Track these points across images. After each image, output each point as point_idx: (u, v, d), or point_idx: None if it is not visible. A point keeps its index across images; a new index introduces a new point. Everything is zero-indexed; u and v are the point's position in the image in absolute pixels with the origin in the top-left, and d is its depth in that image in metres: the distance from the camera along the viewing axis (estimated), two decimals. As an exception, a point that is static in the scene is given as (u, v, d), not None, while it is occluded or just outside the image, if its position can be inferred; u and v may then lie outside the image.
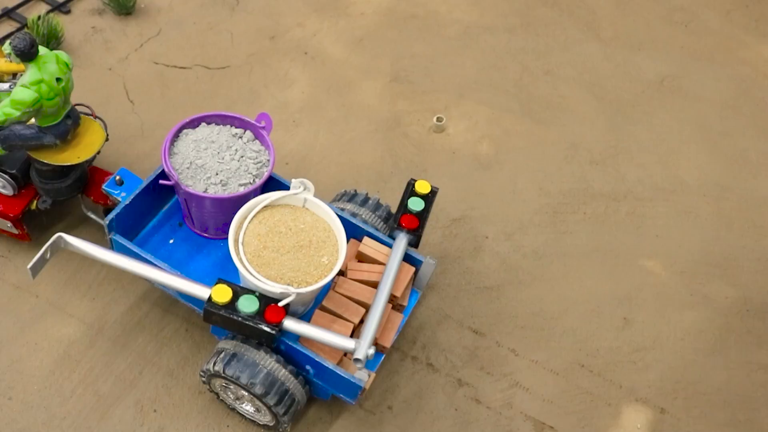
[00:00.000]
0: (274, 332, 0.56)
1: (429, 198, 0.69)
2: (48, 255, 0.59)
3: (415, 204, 0.68)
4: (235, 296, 0.57)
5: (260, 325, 0.54)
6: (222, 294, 0.56)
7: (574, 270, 0.85)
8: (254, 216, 0.62)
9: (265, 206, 0.63)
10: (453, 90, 1.05)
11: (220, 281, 0.57)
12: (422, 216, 0.68)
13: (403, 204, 0.67)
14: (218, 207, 0.69)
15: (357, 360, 0.58)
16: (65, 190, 0.76)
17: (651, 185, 0.98)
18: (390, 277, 0.61)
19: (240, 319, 0.56)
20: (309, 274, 0.61)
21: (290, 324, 0.58)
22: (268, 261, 0.60)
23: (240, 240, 0.61)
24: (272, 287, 0.58)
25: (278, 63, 1.05)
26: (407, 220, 0.67)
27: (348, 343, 0.56)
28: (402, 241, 0.66)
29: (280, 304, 0.59)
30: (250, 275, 0.58)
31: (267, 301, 0.58)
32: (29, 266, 0.61)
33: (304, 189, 0.63)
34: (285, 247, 0.61)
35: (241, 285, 0.71)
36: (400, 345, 0.77)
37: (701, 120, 1.07)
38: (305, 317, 0.70)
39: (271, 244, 0.61)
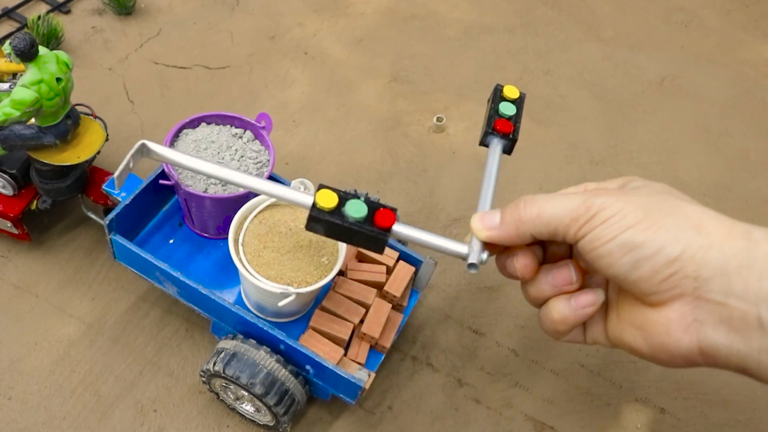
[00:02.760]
0: (384, 238, 0.53)
1: (519, 102, 0.66)
2: (131, 164, 0.58)
3: (507, 109, 0.65)
4: (342, 201, 0.54)
5: (371, 232, 0.52)
6: (327, 199, 0.51)
7: (574, 270, 0.85)
8: (254, 216, 0.63)
9: (265, 206, 0.63)
10: (453, 90, 1.05)
11: (322, 186, 0.54)
12: (515, 120, 0.65)
13: (494, 109, 0.63)
14: (218, 207, 0.70)
15: (471, 265, 0.53)
16: (65, 190, 0.76)
17: (651, 185, 0.97)
18: (490, 188, 0.58)
19: (348, 225, 0.54)
20: (309, 274, 0.61)
21: (400, 229, 0.55)
22: (268, 261, 0.60)
23: (240, 240, 0.61)
24: (272, 287, 0.58)
25: (278, 63, 1.06)
26: (501, 125, 0.64)
27: (460, 248, 0.54)
28: (497, 147, 0.61)
29: (280, 304, 0.59)
30: (250, 275, 0.59)
31: (375, 205, 0.55)
32: (115, 175, 0.57)
33: (304, 189, 0.63)
34: (285, 247, 0.61)
35: (241, 285, 0.72)
36: (400, 345, 0.77)
37: (701, 120, 1.07)
38: (305, 317, 0.71)
39: (271, 244, 0.61)
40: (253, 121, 0.72)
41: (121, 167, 0.57)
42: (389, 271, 0.71)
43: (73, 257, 0.81)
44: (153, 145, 0.58)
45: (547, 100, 1.05)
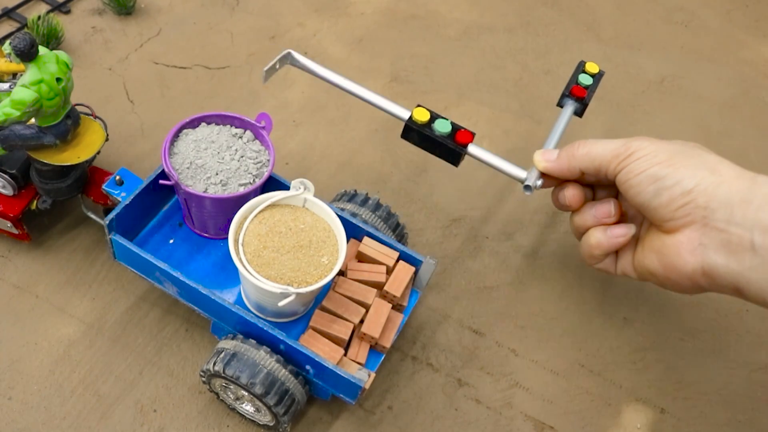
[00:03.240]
0: (462, 152, 0.68)
1: (597, 77, 0.81)
2: (278, 66, 0.74)
3: (585, 79, 0.80)
4: (432, 119, 0.69)
5: (452, 145, 0.68)
6: (421, 115, 0.69)
7: (574, 270, 0.85)
8: (254, 216, 0.63)
9: (265, 206, 0.63)
10: (453, 90, 1.05)
11: (419, 105, 0.69)
12: (590, 89, 0.79)
13: (574, 78, 0.80)
14: (218, 207, 0.70)
15: (527, 187, 0.67)
16: (65, 190, 0.76)
17: (651, 185, 0.98)
18: (556, 137, 0.73)
19: (434, 136, 0.68)
20: (309, 274, 0.61)
21: (474, 149, 0.69)
22: (268, 261, 0.60)
23: (240, 240, 0.61)
24: (272, 287, 0.58)
25: (278, 63, 1.06)
26: (577, 90, 0.79)
27: (520, 173, 0.68)
28: (570, 107, 0.78)
29: (280, 304, 0.60)
30: (250, 275, 0.59)
31: (457, 126, 0.69)
32: (265, 69, 0.72)
33: (305, 189, 0.64)
34: (285, 247, 0.61)
35: (241, 285, 0.72)
36: (400, 345, 0.77)
37: (701, 120, 1.07)
38: (305, 317, 0.71)
39: (271, 244, 0.61)
40: (253, 121, 0.72)
41: (268, 66, 0.73)
42: (389, 271, 0.71)
43: (73, 257, 0.81)
44: (297, 55, 0.75)
45: (547, 100, 1.05)
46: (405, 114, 0.71)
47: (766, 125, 1.07)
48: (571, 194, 0.65)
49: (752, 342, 0.82)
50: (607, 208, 0.64)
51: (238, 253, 0.61)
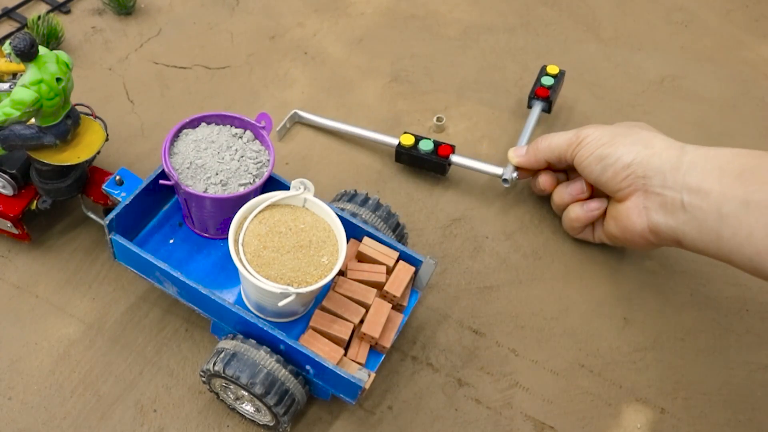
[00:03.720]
0: (446, 163, 0.83)
1: (558, 77, 0.94)
2: (288, 125, 0.91)
3: (547, 81, 0.94)
4: (416, 141, 0.85)
5: (437, 159, 0.84)
6: (407, 139, 0.85)
7: (574, 270, 0.85)
8: (254, 216, 0.63)
9: (265, 206, 0.63)
10: (453, 90, 1.05)
11: (405, 132, 0.87)
12: (552, 89, 0.93)
13: (537, 81, 0.93)
14: (218, 207, 0.70)
15: (504, 180, 0.83)
16: (65, 190, 0.76)
17: (651, 185, 0.98)
18: (527, 136, 0.88)
19: (421, 155, 0.84)
20: (309, 274, 0.61)
21: (455, 158, 0.85)
22: (268, 261, 0.60)
23: (240, 240, 0.61)
24: (272, 287, 0.58)
25: (278, 63, 1.06)
26: (541, 91, 0.92)
27: (496, 170, 0.84)
28: (538, 107, 0.91)
29: (280, 304, 0.60)
30: (250, 275, 0.59)
31: (437, 142, 0.84)
32: (277, 129, 0.89)
33: (305, 189, 0.64)
34: (285, 247, 0.61)
35: (241, 285, 0.72)
36: (400, 345, 0.77)
37: (701, 120, 1.07)
38: (305, 317, 0.71)
39: (271, 244, 0.61)
40: (253, 121, 0.72)
41: (279, 127, 0.92)
42: (389, 271, 0.71)
43: (73, 257, 0.81)
44: (303, 113, 0.94)
45: (547, 100, 1.05)
46: (394, 141, 0.88)
47: (766, 125, 1.07)
48: (543, 180, 0.81)
49: (752, 342, 0.82)
50: (579, 186, 0.77)
51: (238, 253, 0.62)
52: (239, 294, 0.72)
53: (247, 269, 0.61)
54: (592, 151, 0.70)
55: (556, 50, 1.14)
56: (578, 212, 0.77)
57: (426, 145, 0.86)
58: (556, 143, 0.74)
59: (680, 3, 1.25)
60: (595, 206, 0.76)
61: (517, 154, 0.81)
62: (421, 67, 1.08)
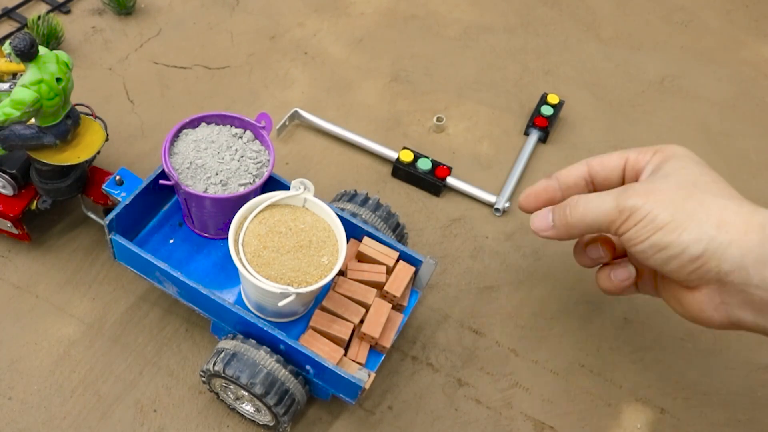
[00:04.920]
0: (441, 184, 0.84)
1: (557, 107, 0.95)
2: (287, 123, 0.90)
3: (546, 110, 0.94)
4: (415, 158, 0.85)
5: (433, 179, 0.85)
6: (406, 156, 0.85)
7: (574, 270, 0.86)
8: (254, 216, 0.63)
9: (265, 206, 0.63)
10: (453, 90, 1.05)
11: (405, 147, 0.87)
12: (551, 119, 0.94)
13: (537, 110, 0.94)
14: (218, 207, 0.70)
15: (496, 209, 0.84)
16: (65, 190, 0.76)
17: (651, 185, 0.98)
18: (521, 166, 0.90)
19: (418, 174, 0.85)
20: (309, 274, 0.61)
21: (451, 180, 0.86)
22: (268, 261, 0.60)
23: (240, 240, 0.61)
24: (272, 287, 0.58)
25: (278, 63, 1.06)
26: (539, 121, 0.93)
27: (489, 197, 0.84)
28: (534, 136, 0.93)
29: (280, 304, 0.60)
30: (250, 275, 0.59)
31: (436, 163, 0.85)
32: (277, 127, 0.89)
33: (305, 189, 0.63)
34: (285, 247, 0.61)
35: (241, 285, 0.72)
36: (400, 345, 0.77)
37: (701, 120, 1.07)
38: (305, 317, 0.71)
39: (271, 244, 0.61)
40: (253, 121, 0.72)
41: (279, 125, 0.92)
42: (389, 271, 0.71)
43: (73, 257, 0.81)
44: (303, 113, 0.94)
45: (547, 100, 1.05)
46: (393, 155, 0.89)
47: (766, 125, 1.07)
48: (617, 274, 0.63)
49: (752, 342, 0.82)
50: (625, 272, 0.62)
51: (238, 253, 0.61)
52: (239, 294, 0.72)
53: (247, 269, 0.61)
54: (646, 237, 0.52)
55: (556, 50, 1.14)
56: (606, 284, 0.63)
57: (424, 164, 0.87)
58: (592, 217, 0.56)
59: (680, 3, 1.25)
60: (623, 276, 0.62)
61: (543, 227, 0.61)
62: (421, 67, 1.08)
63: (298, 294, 0.60)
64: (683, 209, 0.51)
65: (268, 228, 0.63)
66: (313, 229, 0.64)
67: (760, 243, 0.50)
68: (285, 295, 0.60)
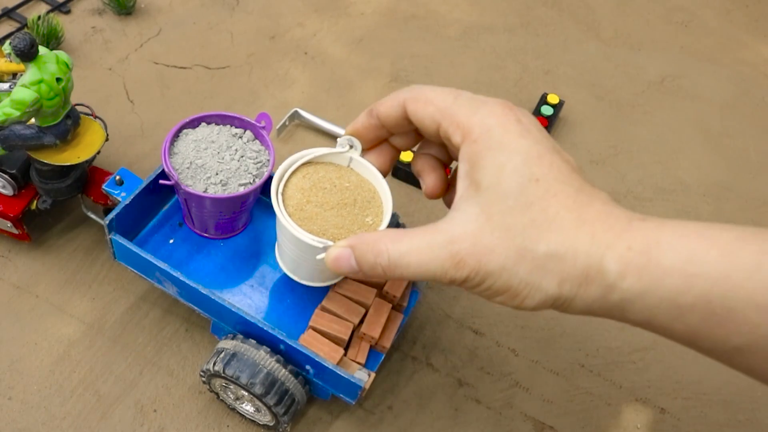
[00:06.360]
0: None
1: (557, 107, 0.95)
2: (287, 123, 0.90)
3: (546, 110, 0.95)
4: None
5: None
6: (406, 156, 0.86)
7: (574, 270, 0.86)
8: (297, 170, 0.60)
9: (308, 162, 0.59)
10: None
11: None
12: (551, 119, 0.94)
13: (537, 110, 0.93)
14: (218, 207, 0.70)
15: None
16: (65, 190, 0.76)
17: (651, 185, 0.98)
18: None
19: None
20: (352, 232, 0.57)
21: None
22: (311, 216, 0.57)
23: (280, 191, 0.58)
24: (313, 242, 0.55)
25: (278, 63, 1.06)
26: (539, 121, 0.86)
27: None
28: None
29: (318, 257, 0.56)
30: (292, 227, 0.56)
31: None
32: (277, 127, 0.89)
33: (351, 148, 0.59)
34: (329, 203, 0.58)
35: (277, 245, 0.67)
36: (400, 345, 0.77)
37: (701, 120, 1.07)
38: (305, 317, 0.71)
39: (315, 199, 0.58)
40: (253, 121, 0.72)
41: (279, 125, 0.91)
42: (389, 271, 0.71)
43: (73, 257, 0.81)
44: (303, 112, 0.94)
45: (547, 100, 1.05)
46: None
47: (766, 125, 1.07)
48: (430, 187, 0.53)
49: (752, 342, 0.82)
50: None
51: (278, 205, 0.58)
52: (240, 293, 0.72)
53: (288, 222, 0.57)
54: (490, 298, 0.44)
55: (556, 50, 1.14)
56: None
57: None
58: (413, 274, 0.45)
59: (680, 3, 1.25)
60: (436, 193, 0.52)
61: (345, 269, 0.49)
62: (421, 67, 1.08)
63: None
64: (517, 274, 0.41)
65: (312, 183, 0.59)
66: (358, 189, 0.59)
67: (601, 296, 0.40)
68: (326, 250, 0.56)
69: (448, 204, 0.52)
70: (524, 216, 0.41)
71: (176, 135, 0.71)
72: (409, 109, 0.48)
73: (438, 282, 0.45)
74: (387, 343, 0.69)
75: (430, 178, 0.53)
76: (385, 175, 0.58)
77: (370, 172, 0.60)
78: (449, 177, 0.54)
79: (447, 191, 0.53)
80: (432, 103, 0.46)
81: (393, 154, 0.56)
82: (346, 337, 0.67)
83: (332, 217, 0.57)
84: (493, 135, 0.43)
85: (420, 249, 0.44)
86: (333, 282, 0.67)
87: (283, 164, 0.59)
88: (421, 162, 0.53)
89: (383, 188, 0.59)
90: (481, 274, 0.42)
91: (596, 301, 0.40)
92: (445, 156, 0.53)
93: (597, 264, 0.39)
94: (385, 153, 0.56)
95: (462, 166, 0.45)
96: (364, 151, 0.57)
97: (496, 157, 0.42)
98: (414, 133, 0.53)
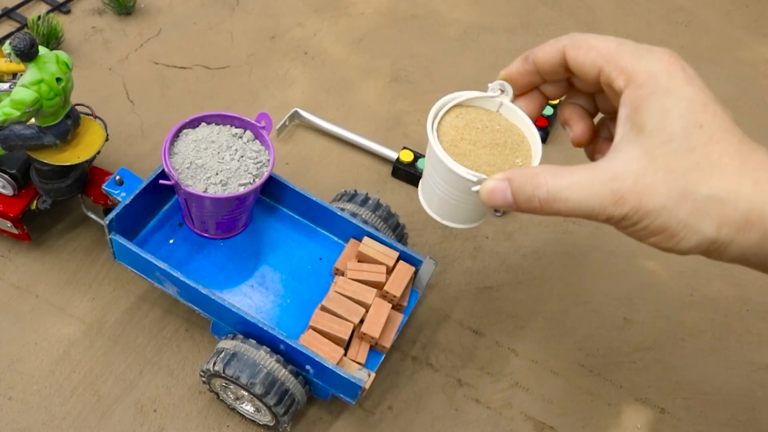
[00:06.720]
0: None
1: (557, 106, 0.88)
2: (287, 123, 0.91)
3: (546, 110, 0.94)
4: (415, 158, 0.86)
5: None
6: (406, 156, 0.86)
7: (574, 270, 0.86)
8: (450, 110, 0.62)
9: (459, 105, 0.62)
10: (453, 90, 1.04)
11: (405, 147, 0.87)
12: (551, 119, 0.94)
13: None
14: (218, 207, 0.70)
15: (496, 211, 0.83)
16: (65, 190, 0.76)
17: (651, 185, 0.98)
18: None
19: (418, 174, 0.83)
20: (503, 170, 0.60)
21: None
22: (465, 152, 0.59)
23: (435, 127, 0.59)
24: (468, 175, 0.57)
25: (278, 63, 1.06)
26: (540, 121, 0.91)
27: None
28: None
29: (473, 189, 0.58)
30: (448, 161, 0.58)
31: None
32: (277, 127, 0.90)
33: (502, 93, 0.60)
34: (481, 142, 0.60)
35: (423, 184, 0.66)
36: (400, 345, 0.77)
37: (701, 120, 1.07)
38: (305, 317, 0.71)
39: (468, 137, 0.60)
40: (253, 121, 0.72)
41: (278, 126, 0.92)
42: (389, 271, 0.71)
43: (73, 257, 0.81)
44: (303, 113, 0.94)
45: (547, 100, 1.05)
46: (393, 155, 0.89)
47: (766, 125, 1.07)
48: (577, 134, 0.55)
49: (752, 342, 0.82)
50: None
51: (434, 139, 0.60)
52: (240, 294, 0.72)
53: (445, 156, 0.59)
54: (646, 238, 0.45)
55: (556, 50, 1.14)
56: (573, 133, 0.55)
57: (424, 164, 0.78)
58: (570, 210, 0.47)
59: (680, 3, 1.25)
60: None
61: (499, 202, 0.51)
62: (421, 67, 1.08)
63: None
64: (677, 215, 0.42)
65: (465, 122, 0.61)
66: (508, 132, 0.61)
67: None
68: (480, 182, 0.57)
69: (591, 156, 0.54)
70: (688, 159, 0.42)
71: (176, 135, 0.71)
72: (569, 54, 0.49)
73: (594, 219, 0.46)
74: (387, 343, 0.69)
75: (578, 126, 0.54)
76: (533, 121, 0.58)
77: (519, 117, 0.61)
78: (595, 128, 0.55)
79: (592, 141, 0.55)
80: (594, 49, 0.48)
81: (542, 101, 0.57)
82: (346, 337, 0.67)
83: (484, 154, 0.59)
84: (659, 80, 0.44)
85: (580, 184, 0.45)
86: (475, 224, 0.65)
87: (436, 104, 0.61)
88: (569, 111, 0.55)
89: (532, 133, 0.60)
90: (640, 212, 0.43)
91: (752, 246, 0.42)
92: (593, 107, 0.54)
93: (759, 209, 0.41)
94: (535, 100, 0.57)
95: (623, 110, 0.46)
96: (514, 98, 0.58)
97: (662, 101, 0.44)
98: (565, 82, 0.54)
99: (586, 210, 0.45)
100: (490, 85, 0.61)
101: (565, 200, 0.46)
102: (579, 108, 0.55)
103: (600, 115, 0.55)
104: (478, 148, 0.60)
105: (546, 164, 0.50)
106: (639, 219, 0.43)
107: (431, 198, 0.64)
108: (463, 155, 0.59)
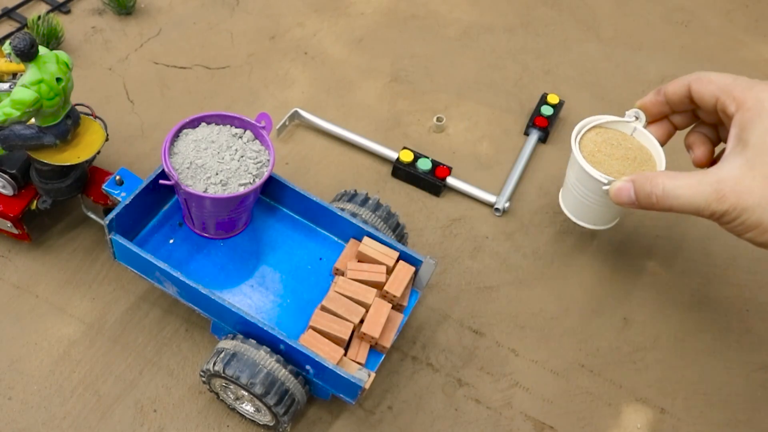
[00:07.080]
0: (441, 184, 0.85)
1: (557, 106, 0.96)
2: (287, 123, 0.92)
3: (546, 110, 0.95)
4: (415, 158, 0.86)
5: (433, 179, 0.85)
6: (406, 156, 0.86)
7: (574, 270, 0.85)
8: (592, 128, 0.74)
9: (599, 126, 0.74)
10: (453, 90, 1.05)
11: (405, 147, 0.87)
12: (551, 119, 0.95)
13: (537, 110, 0.94)
14: (218, 207, 0.70)
15: (496, 209, 0.85)
16: (65, 190, 0.76)
17: (651, 185, 0.98)
18: (521, 165, 0.90)
19: (418, 174, 0.85)
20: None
21: (451, 181, 0.86)
22: (600, 161, 0.72)
23: (578, 140, 0.73)
24: (601, 177, 0.69)
25: (278, 63, 1.06)
26: (539, 121, 0.94)
27: (489, 197, 0.85)
28: (534, 136, 0.93)
29: (604, 188, 0.69)
30: (586, 166, 0.70)
31: (436, 163, 0.85)
32: (277, 127, 0.89)
33: (636, 119, 0.73)
34: (615, 155, 0.72)
35: (566, 190, 0.79)
36: (400, 345, 0.77)
37: (701, 120, 1.07)
38: (305, 317, 0.71)
39: (604, 150, 0.73)
40: (253, 121, 0.72)
41: (278, 126, 0.92)
42: (389, 271, 0.71)
43: (73, 257, 0.81)
44: (303, 113, 0.94)
45: (547, 100, 1.05)
46: (393, 155, 0.89)
47: (766, 125, 1.06)
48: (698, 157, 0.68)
49: (752, 342, 0.82)
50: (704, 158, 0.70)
51: (576, 149, 0.72)
52: (240, 294, 0.72)
53: (584, 162, 0.71)
54: (743, 234, 0.55)
55: (556, 50, 1.14)
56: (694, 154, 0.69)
57: (424, 164, 0.87)
58: (680, 206, 0.57)
59: (680, 3, 1.25)
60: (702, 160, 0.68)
61: (624, 200, 0.64)
62: (421, 67, 1.08)
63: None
64: None
65: (603, 139, 0.73)
66: (638, 150, 0.73)
67: None
68: (610, 185, 0.68)
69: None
70: None
71: (176, 135, 0.71)
72: (693, 88, 0.61)
73: (700, 214, 0.55)
74: (387, 343, 0.69)
75: (699, 150, 0.67)
76: (662, 145, 0.71)
77: (649, 140, 0.73)
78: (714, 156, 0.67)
79: (711, 164, 0.66)
80: (713, 83, 0.59)
81: (671, 130, 0.71)
82: (346, 337, 0.67)
83: (616, 165, 0.72)
84: (764, 105, 0.54)
85: (690, 184, 0.56)
86: (606, 227, 0.79)
87: (580, 123, 0.74)
88: (694, 137, 0.68)
89: (659, 155, 0.72)
90: (738, 209, 0.53)
91: None
92: (715, 137, 0.67)
93: None
94: (664, 128, 0.70)
95: (733, 131, 0.56)
96: (647, 125, 0.72)
97: (765, 122, 0.53)
98: (691, 113, 0.67)
99: (693, 205, 0.55)
100: (627, 112, 0.74)
101: (677, 197, 0.56)
102: (702, 135, 0.67)
103: (722, 145, 0.65)
104: (611, 160, 0.73)
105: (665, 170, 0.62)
106: (738, 215, 0.53)
107: (569, 200, 0.78)
108: (599, 163, 0.72)
